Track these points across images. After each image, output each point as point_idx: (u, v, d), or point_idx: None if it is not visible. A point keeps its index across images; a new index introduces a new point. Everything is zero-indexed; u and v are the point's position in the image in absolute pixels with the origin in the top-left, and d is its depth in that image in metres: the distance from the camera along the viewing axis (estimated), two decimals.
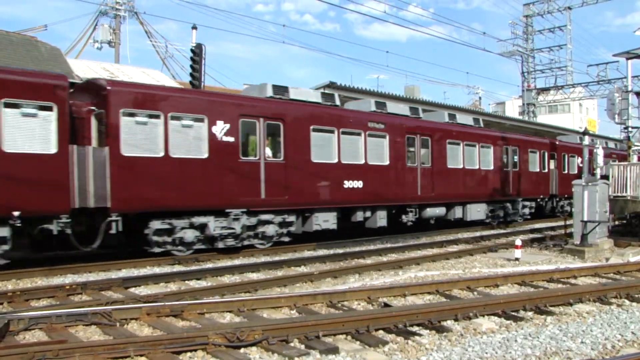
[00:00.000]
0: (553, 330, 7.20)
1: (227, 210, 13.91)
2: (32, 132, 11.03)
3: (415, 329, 7.14)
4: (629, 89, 19.34)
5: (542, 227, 23.14)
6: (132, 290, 10.06)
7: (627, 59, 19.51)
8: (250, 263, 12.91)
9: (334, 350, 6.23)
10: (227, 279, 11.31)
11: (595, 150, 16.79)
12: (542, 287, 10.33)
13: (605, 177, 17.27)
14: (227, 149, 13.76)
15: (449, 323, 7.43)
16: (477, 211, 21.65)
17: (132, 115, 12.33)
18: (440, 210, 20.11)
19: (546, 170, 26.33)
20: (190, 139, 13.20)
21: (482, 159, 21.90)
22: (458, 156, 20.62)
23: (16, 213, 10.67)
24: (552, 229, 22.13)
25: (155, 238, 12.99)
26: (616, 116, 19.10)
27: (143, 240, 13.08)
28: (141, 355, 5.92)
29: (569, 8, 38.51)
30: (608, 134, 43.70)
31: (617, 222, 18.41)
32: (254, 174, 14.31)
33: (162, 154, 12.68)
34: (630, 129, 19.14)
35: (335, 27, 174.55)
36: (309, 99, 16.15)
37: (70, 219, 11.47)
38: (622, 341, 6.81)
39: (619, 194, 16.83)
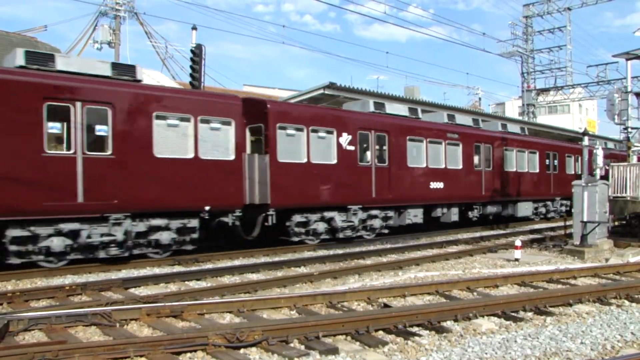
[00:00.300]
0: (553, 331, 7.20)
1: (348, 207, 16.78)
2: (218, 142, 13.79)
3: (415, 329, 7.14)
4: (629, 89, 19.32)
5: (542, 227, 23.17)
6: (132, 290, 10.06)
7: (627, 59, 19.52)
8: (250, 264, 12.91)
9: (334, 351, 6.23)
10: (227, 280, 11.31)
11: (595, 151, 16.79)
12: (542, 287, 10.34)
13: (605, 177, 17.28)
14: (349, 156, 16.75)
15: (448, 324, 7.44)
16: (526, 208, 24.87)
17: (284, 128, 15.31)
18: (497, 208, 23.30)
19: (580, 172, 28.35)
20: (324, 148, 16.19)
21: (530, 163, 25.25)
22: (512, 161, 23.98)
23: (207, 207, 13.49)
24: (552, 229, 22.15)
25: (296, 229, 15.79)
26: (616, 117, 19.10)
27: (283, 230, 15.87)
28: (141, 356, 5.92)
29: (569, 9, 38.50)
30: (607, 134, 43.69)
31: (616, 223, 18.41)
32: (367, 177, 17.35)
33: (305, 160, 15.65)
34: (629, 130, 19.14)
35: (335, 27, 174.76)
36: (399, 113, 19.25)
37: (241, 213, 14.31)
38: (622, 342, 6.81)
39: (619, 195, 16.84)
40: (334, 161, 16.32)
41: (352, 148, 16.74)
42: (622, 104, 18.94)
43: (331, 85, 20.52)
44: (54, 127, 11.50)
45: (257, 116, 14.97)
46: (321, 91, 20.62)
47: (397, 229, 19.11)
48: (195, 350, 6.13)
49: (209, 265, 12.95)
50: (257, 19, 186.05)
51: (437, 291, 9.52)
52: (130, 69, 13.19)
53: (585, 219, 14.99)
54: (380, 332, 6.98)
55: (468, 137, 21.27)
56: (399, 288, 9.47)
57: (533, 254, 15.50)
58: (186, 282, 10.89)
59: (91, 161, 11.82)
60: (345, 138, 16.54)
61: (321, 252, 15.24)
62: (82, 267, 12.00)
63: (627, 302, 8.95)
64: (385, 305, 8.45)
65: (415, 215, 19.15)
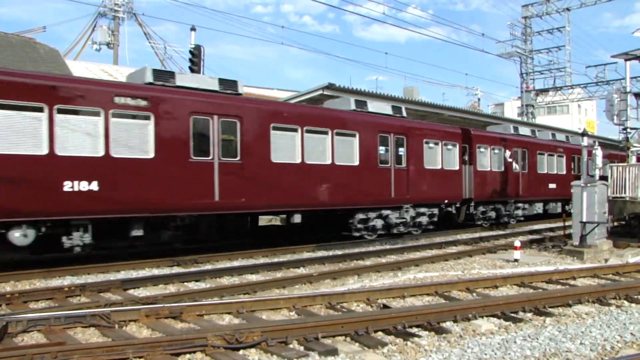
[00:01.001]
0: (552, 332, 7.20)
1: (507, 200, 23.76)
2: (450, 157, 20.49)
3: (414, 330, 7.13)
4: (628, 90, 19.32)
5: (541, 228, 23.20)
6: (131, 292, 10.05)
7: (626, 60, 19.53)
8: (249, 264, 12.89)
9: (333, 352, 6.23)
10: (226, 281, 11.30)
11: (594, 151, 16.81)
12: (541, 288, 10.34)
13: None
14: (509, 166, 23.90)
15: (448, 324, 7.43)
16: None
17: (479, 148, 22.31)
18: None
19: None
20: (497, 160, 23.27)
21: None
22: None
23: (446, 200, 20.16)
24: (551, 230, 22.17)
25: (480, 216, 22.62)
26: (615, 117, 19.10)
27: (469, 217, 22.25)
28: (140, 357, 5.90)
29: (568, 9, 38.49)
30: (606, 135, 43.71)
31: (616, 223, 18.41)
32: (516, 180, 24.41)
33: (488, 168, 22.76)
34: (628, 130, 19.14)
35: (334, 28, 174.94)
36: (526, 133, 26.36)
37: (459, 205, 21.14)
38: (621, 342, 6.81)
39: (618, 195, 16.84)
40: (502, 169, 23.40)
41: (510, 160, 23.90)
42: (621, 104, 18.94)
43: (330, 86, 20.55)
44: (382, 149, 17.73)
45: (463, 139, 21.32)
46: (320, 92, 20.64)
47: (528, 217, 25.86)
48: (194, 352, 6.12)
49: (208, 267, 12.93)
50: (256, 19, 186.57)
51: (437, 292, 9.52)
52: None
53: (584, 220, 14.99)
54: (380, 333, 6.97)
55: (568, 150, 28.96)
56: (398, 289, 9.47)
57: (532, 254, 15.50)
58: (185, 283, 10.87)
59: (398, 171, 18.19)
60: (507, 153, 23.67)
61: (320, 253, 15.22)
62: (81, 268, 11.98)
63: (626, 303, 8.96)
64: (385, 306, 8.45)
65: (539, 208, 26.23)
